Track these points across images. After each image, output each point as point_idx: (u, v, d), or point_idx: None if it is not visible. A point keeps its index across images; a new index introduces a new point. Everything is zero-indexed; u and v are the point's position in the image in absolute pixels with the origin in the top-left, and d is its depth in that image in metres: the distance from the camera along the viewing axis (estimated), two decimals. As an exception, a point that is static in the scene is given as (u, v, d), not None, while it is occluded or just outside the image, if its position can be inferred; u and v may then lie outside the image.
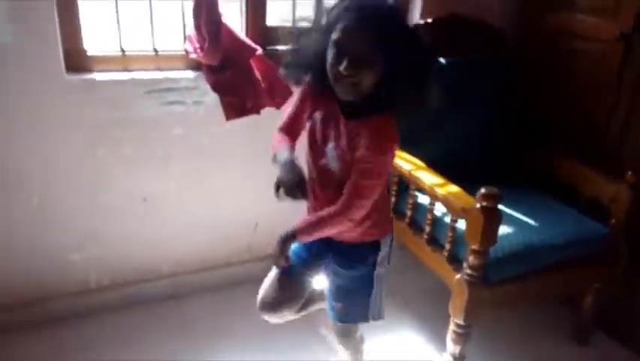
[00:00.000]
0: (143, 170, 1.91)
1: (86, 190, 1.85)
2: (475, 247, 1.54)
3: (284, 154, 1.32)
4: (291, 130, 1.42)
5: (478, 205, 1.49)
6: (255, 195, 2.14)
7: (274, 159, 1.34)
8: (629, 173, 1.78)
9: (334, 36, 1.14)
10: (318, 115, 1.34)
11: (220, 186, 2.07)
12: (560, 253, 1.76)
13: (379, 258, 1.44)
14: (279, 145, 1.36)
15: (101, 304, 2.00)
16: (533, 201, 1.97)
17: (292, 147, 1.38)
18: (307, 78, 1.31)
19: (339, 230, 1.32)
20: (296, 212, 2.20)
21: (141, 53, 1.84)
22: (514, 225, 1.77)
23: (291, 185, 1.24)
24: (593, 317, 2.02)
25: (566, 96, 2.17)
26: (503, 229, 1.60)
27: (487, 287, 1.62)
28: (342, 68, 1.13)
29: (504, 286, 1.67)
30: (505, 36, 2.23)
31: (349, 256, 1.44)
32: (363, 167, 1.22)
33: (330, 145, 1.30)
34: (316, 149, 1.35)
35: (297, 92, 1.42)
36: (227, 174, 2.07)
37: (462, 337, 1.70)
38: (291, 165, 1.28)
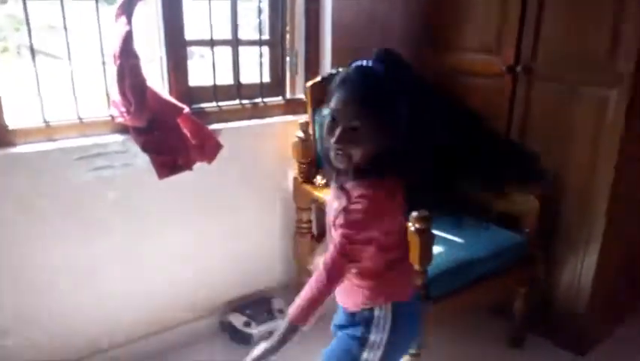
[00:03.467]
0: (75, 239, 1.86)
1: (13, 267, 1.76)
2: (415, 267, 1.65)
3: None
4: None
5: (412, 228, 1.62)
6: (195, 251, 2.15)
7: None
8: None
9: (330, 105, 1.17)
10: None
11: (158, 247, 2.05)
12: (486, 264, 1.93)
13: (371, 335, 1.31)
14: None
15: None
16: (454, 220, 2.15)
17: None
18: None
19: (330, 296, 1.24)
20: (237, 269, 2.24)
21: (65, 122, 1.83)
22: (444, 244, 1.92)
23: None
24: (525, 320, 2.20)
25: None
26: (435, 249, 1.73)
27: (431, 304, 1.73)
28: (334, 138, 1.14)
29: (444, 301, 1.79)
30: (408, 78, 2.46)
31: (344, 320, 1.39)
32: (340, 219, 1.18)
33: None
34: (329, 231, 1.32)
35: None
36: (163, 233, 2.05)
37: (415, 357, 1.78)
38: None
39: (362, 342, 1.31)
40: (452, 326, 2.23)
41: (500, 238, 2.04)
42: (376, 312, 1.31)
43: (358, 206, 1.16)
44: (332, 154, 1.17)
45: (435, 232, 1.67)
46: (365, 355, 1.31)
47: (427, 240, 1.63)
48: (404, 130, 1.16)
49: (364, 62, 1.19)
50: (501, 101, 2.27)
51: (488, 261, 1.92)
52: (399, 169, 1.20)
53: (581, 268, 2.09)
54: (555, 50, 2.07)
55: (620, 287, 2.36)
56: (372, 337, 1.31)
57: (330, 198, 1.33)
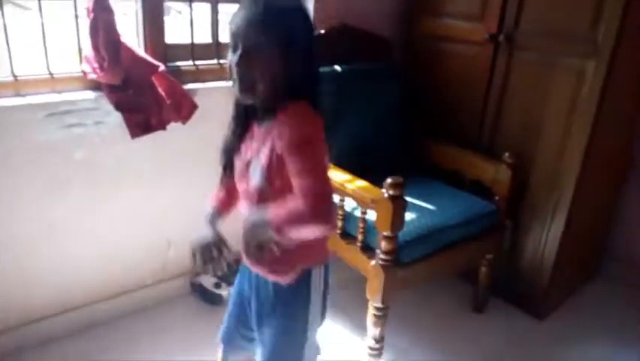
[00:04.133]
0: (45, 197, 1.83)
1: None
2: (386, 233, 1.68)
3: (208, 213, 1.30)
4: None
5: (386, 195, 1.64)
6: (166, 212, 2.14)
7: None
8: (507, 154, 2.04)
9: (230, 32, 1.08)
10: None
11: (129, 207, 2.04)
12: (457, 231, 1.96)
13: (312, 294, 1.23)
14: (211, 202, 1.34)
15: (8, 347, 1.87)
16: (428, 188, 2.18)
17: (222, 202, 1.35)
18: None
19: (309, 235, 1.09)
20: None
21: (35, 77, 1.78)
22: (416, 210, 1.95)
23: (201, 247, 1.19)
24: (489, 286, 2.27)
25: (448, 93, 2.42)
26: (408, 215, 1.76)
27: (400, 268, 1.78)
28: (234, 60, 1.06)
29: (414, 265, 1.83)
30: (390, 43, 2.44)
31: (275, 299, 1.25)
32: (294, 164, 1.05)
33: (253, 162, 1.15)
34: (243, 176, 1.20)
35: None
36: (135, 193, 2.04)
37: (381, 319, 1.83)
38: (208, 225, 1.25)
39: (304, 311, 1.23)
40: (418, 290, 2.30)
41: (471, 206, 2.07)
42: (314, 270, 1.23)
43: (304, 139, 1.06)
44: (237, 87, 1.08)
45: (407, 198, 1.69)
46: (310, 319, 1.25)
47: (399, 206, 1.66)
48: (306, 55, 1.08)
49: None
50: (481, 69, 2.27)
51: (459, 228, 1.96)
52: (309, 94, 1.10)
53: (546, 237, 2.16)
54: (537, 20, 2.07)
55: (581, 256, 2.44)
56: (313, 296, 1.24)
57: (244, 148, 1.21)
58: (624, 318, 2.36)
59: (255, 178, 1.14)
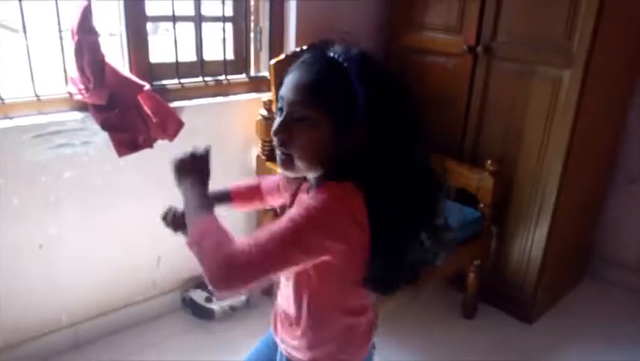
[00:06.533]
0: (35, 217, 1.84)
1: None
2: (372, 242, 1.71)
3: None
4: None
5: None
6: (155, 229, 2.14)
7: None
8: (489, 162, 2.08)
9: (280, 93, 0.93)
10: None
11: (118, 224, 2.05)
12: (443, 238, 1.99)
13: None
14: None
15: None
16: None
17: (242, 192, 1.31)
18: None
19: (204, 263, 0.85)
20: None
21: (22, 99, 1.80)
22: (402, 220, 1.98)
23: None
24: (477, 291, 2.30)
25: (429, 104, 2.45)
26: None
27: (388, 278, 1.80)
28: (274, 128, 0.91)
29: (401, 274, 1.85)
30: (371, 56, 2.49)
31: None
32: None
33: None
34: None
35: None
36: (124, 211, 2.05)
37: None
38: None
39: None
40: (406, 297, 2.31)
41: (457, 213, 2.11)
42: None
43: (311, 202, 0.88)
44: (278, 157, 0.95)
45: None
46: None
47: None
48: (363, 131, 0.91)
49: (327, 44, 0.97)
50: (461, 80, 2.32)
51: (444, 235, 1.99)
52: (357, 173, 0.91)
53: (531, 242, 2.20)
54: (513, 31, 2.13)
55: (568, 259, 2.48)
56: None
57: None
58: (613, 319, 2.40)
59: None
